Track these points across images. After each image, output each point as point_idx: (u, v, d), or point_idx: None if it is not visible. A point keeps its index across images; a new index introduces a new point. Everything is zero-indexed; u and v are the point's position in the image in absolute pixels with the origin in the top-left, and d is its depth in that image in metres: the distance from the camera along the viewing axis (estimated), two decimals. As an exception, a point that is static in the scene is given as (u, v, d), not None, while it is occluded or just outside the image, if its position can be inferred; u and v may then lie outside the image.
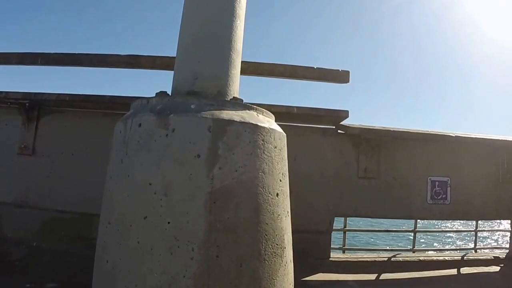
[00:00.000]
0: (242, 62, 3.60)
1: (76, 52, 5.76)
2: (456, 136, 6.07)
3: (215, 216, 2.74)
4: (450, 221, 19.85)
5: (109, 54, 5.70)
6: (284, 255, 3.09)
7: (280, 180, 3.14)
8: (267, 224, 2.93)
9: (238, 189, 2.83)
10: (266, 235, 2.92)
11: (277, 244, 3.00)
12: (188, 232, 2.70)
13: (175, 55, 3.59)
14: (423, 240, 17.40)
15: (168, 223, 2.71)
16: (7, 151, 5.70)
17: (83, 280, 3.98)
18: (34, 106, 5.64)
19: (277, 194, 3.06)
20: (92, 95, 5.54)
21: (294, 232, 3.38)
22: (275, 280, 2.96)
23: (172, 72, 3.53)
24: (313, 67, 5.49)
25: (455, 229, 22.11)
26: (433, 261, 6.12)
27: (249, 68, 5.00)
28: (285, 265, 3.09)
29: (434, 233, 19.07)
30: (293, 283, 3.29)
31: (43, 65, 5.81)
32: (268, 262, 2.91)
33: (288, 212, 3.27)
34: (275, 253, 2.97)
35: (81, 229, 5.31)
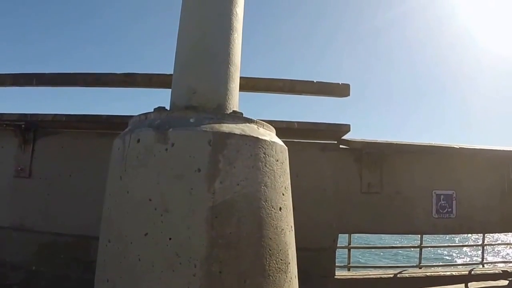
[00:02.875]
0: (240, 77, 3.60)
1: (71, 72, 5.76)
2: (460, 147, 6.05)
3: (217, 231, 2.72)
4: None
5: (104, 73, 5.68)
6: (289, 270, 3.06)
7: (283, 194, 3.12)
8: (270, 239, 2.91)
9: (240, 203, 2.81)
10: (270, 250, 2.90)
11: (281, 260, 2.98)
12: (190, 248, 2.68)
13: (171, 73, 3.59)
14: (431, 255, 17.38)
15: (169, 239, 2.69)
16: (3, 174, 5.67)
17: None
18: (30, 127, 5.62)
19: (280, 208, 3.04)
20: (88, 115, 5.53)
21: (297, 249, 3.36)
22: (280, 297, 2.93)
23: (169, 90, 3.53)
24: (313, 81, 5.47)
25: (461, 244, 22.03)
26: (440, 276, 6.07)
27: (247, 84, 4.94)
28: (289, 280, 3.06)
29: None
30: None
31: (38, 85, 5.81)
32: (272, 278, 2.88)
33: (291, 226, 3.25)
34: (279, 268, 2.95)
35: (79, 253, 5.26)
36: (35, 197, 5.59)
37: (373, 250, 14.31)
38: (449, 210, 6.05)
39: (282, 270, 2.97)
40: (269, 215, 2.93)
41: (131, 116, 3.42)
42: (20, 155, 5.67)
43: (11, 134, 5.68)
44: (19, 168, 5.64)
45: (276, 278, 2.91)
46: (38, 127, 5.67)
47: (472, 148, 6.28)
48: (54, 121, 5.52)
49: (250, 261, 2.81)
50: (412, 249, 6.66)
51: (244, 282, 2.75)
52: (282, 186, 3.12)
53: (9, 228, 5.54)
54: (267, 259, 2.87)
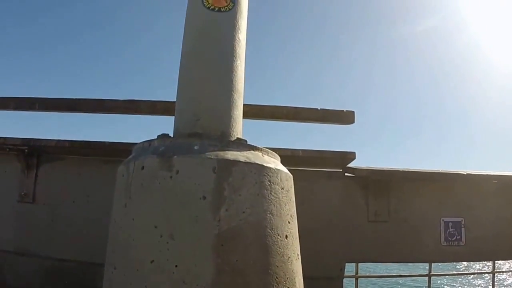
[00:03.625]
0: (243, 104, 3.67)
1: (74, 98, 5.84)
2: (467, 174, 6.06)
3: (223, 259, 2.77)
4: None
5: (107, 99, 5.77)
6: (296, 299, 3.10)
7: (289, 222, 3.17)
8: (277, 266, 2.95)
9: (246, 231, 2.86)
10: (277, 278, 2.94)
11: (288, 288, 3.02)
12: (197, 276, 2.72)
13: (174, 99, 3.65)
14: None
15: (176, 266, 2.73)
16: (7, 199, 5.70)
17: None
18: (33, 152, 5.67)
19: (286, 236, 3.09)
20: (92, 142, 5.58)
21: (304, 278, 3.38)
22: (287, 326, 2.97)
23: (173, 117, 3.59)
24: (317, 108, 5.54)
25: (471, 271, 21.81)
26: (450, 304, 6.06)
27: (250, 111, 4.98)
28: (297, 309, 3.10)
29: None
30: None
31: (40, 110, 5.91)
32: (280, 306, 2.93)
33: (298, 255, 3.28)
34: (287, 297, 2.99)
35: (84, 279, 5.28)
36: (39, 222, 5.61)
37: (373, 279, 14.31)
38: (458, 237, 6.05)
39: (289, 298, 3.01)
40: (275, 243, 2.97)
41: (135, 143, 3.48)
42: (23, 180, 5.70)
43: (14, 159, 5.74)
44: (23, 193, 5.66)
45: (283, 307, 2.95)
46: (42, 152, 5.72)
47: (480, 174, 6.28)
48: (58, 147, 5.58)
49: (257, 289, 2.85)
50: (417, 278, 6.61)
51: (252, 310, 2.79)
52: (287, 214, 3.17)
53: (14, 252, 5.55)
54: (275, 287, 2.92)
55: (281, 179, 3.16)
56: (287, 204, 3.18)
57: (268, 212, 2.97)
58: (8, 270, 5.51)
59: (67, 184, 5.69)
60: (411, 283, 17.70)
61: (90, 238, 5.21)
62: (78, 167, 5.75)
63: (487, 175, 6.33)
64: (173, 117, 3.59)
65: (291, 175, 3.38)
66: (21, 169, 5.72)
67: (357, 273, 6.14)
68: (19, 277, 5.45)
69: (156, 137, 3.28)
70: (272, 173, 3.08)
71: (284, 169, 3.30)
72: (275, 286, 2.92)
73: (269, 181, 3.04)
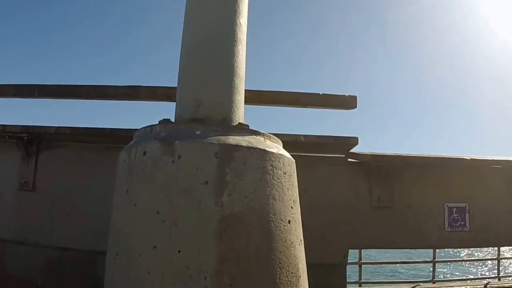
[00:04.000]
0: (245, 90, 3.68)
1: (74, 84, 5.83)
2: (471, 159, 6.07)
3: (226, 244, 2.80)
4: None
5: (107, 86, 5.78)
6: (300, 284, 3.13)
7: (292, 207, 3.19)
8: (280, 252, 2.98)
9: (249, 216, 2.89)
10: (280, 263, 2.97)
11: (291, 273, 3.04)
12: (200, 261, 2.75)
13: (175, 85, 3.65)
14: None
15: (179, 252, 2.76)
16: (7, 187, 5.75)
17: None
18: (33, 139, 5.69)
19: (289, 221, 3.11)
20: (92, 128, 5.59)
21: (307, 266, 3.40)
22: (291, 310, 3.00)
23: (173, 103, 3.60)
24: (319, 93, 5.54)
25: (475, 258, 21.86)
26: (455, 290, 6.09)
27: (251, 97, 4.93)
28: (300, 294, 3.13)
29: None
30: None
31: (40, 97, 5.91)
32: (283, 291, 2.96)
33: (301, 240, 3.31)
34: (290, 282, 3.01)
35: (86, 268, 5.32)
36: (39, 210, 5.64)
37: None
38: (462, 223, 6.08)
39: (293, 283, 3.04)
40: (278, 228, 3.00)
41: (136, 130, 3.49)
42: (23, 168, 5.73)
43: (13, 146, 5.76)
44: (23, 181, 5.70)
45: (286, 292, 2.99)
46: (42, 140, 5.75)
47: (484, 159, 6.29)
48: (58, 134, 5.61)
49: (260, 274, 2.88)
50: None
51: (255, 294, 2.83)
52: (290, 199, 3.19)
53: (14, 242, 5.59)
54: (278, 272, 2.94)
55: (283, 164, 3.18)
56: (289, 189, 3.20)
57: (271, 197, 3.00)
58: (8, 259, 5.54)
59: (68, 172, 5.72)
60: (413, 272, 17.75)
61: (91, 226, 5.25)
62: (79, 154, 5.78)
63: (491, 160, 6.35)
64: (174, 103, 3.60)
65: (294, 160, 3.40)
66: (21, 157, 5.74)
67: (360, 259, 6.18)
68: (19, 267, 5.48)
69: (157, 123, 3.29)
70: (274, 158, 3.10)
71: (286, 154, 3.32)
72: (278, 271, 2.95)
73: (272, 166, 3.06)
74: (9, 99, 6.03)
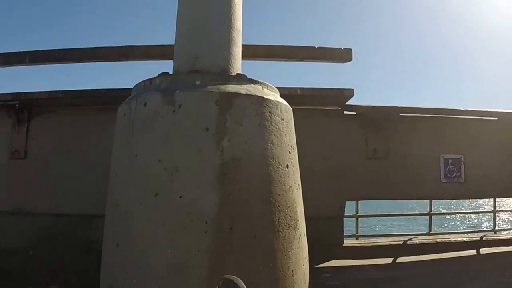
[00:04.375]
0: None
1: (66, 48, 5.83)
2: (466, 110, 6.17)
3: (227, 188, 2.93)
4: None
5: (100, 47, 5.76)
6: (298, 227, 3.27)
7: (289, 152, 3.32)
8: (279, 195, 3.12)
9: (249, 160, 3.02)
10: (279, 206, 3.10)
11: (290, 216, 3.18)
12: (201, 206, 2.88)
13: (169, 43, 3.68)
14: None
15: (180, 198, 2.88)
16: None
17: (85, 282, 4.11)
18: (24, 107, 5.73)
19: (287, 166, 3.24)
20: (86, 90, 5.66)
21: (305, 219, 3.54)
22: (290, 253, 3.14)
23: (168, 61, 3.65)
24: (314, 47, 5.59)
25: (471, 210, 22.12)
26: (451, 242, 6.27)
27: (247, 52, 4.99)
28: (299, 237, 3.28)
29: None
30: (307, 258, 3.46)
31: (31, 63, 5.92)
32: (282, 234, 3.09)
33: (299, 185, 3.45)
34: (288, 224, 3.15)
35: (79, 233, 5.41)
36: (31, 178, 5.68)
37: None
38: (458, 174, 6.20)
39: (291, 226, 3.18)
40: (277, 172, 3.13)
41: (130, 89, 3.57)
42: (14, 136, 5.78)
43: (4, 115, 5.79)
44: (14, 150, 5.75)
45: (285, 234, 3.12)
46: (33, 106, 5.78)
47: (479, 111, 6.42)
48: (50, 99, 5.63)
49: (260, 217, 3.01)
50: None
51: (255, 237, 2.96)
52: (288, 145, 3.32)
53: (6, 212, 5.64)
54: (276, 215, 3.08)
55: (281, 110, 3.29)
56: (287, 135, 3.32)
57: (269, 142, 3.12)
58: (0, 231, 5.60)
59: (60, 137, 5.77)
60: (405, 223, 17.98)
61: (86, 190, 5.35)
62: (72, 118, 5.82)
63: (486, 111, 6.48)
64: (169, 61, 3.65)
65: (291, 108, 3.50)
66: (12, 125, 5.79)
67: (357, 212, 6.29)
68: (13, 237, 5.55)
69: (156, 76, 3.38)
70: (272, 104, 3.21)
71: (283, 101, 3.43)
72: (277, 214, 3.09)
73: (270, 112, 3.17)
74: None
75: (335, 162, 5.88)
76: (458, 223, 21.74)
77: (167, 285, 2.82)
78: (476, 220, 24.39)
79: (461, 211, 22.69)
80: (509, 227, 12.03)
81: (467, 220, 24.24)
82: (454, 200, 12.01)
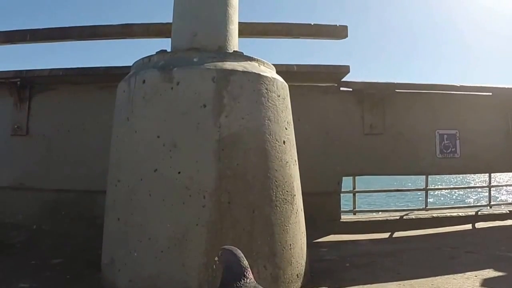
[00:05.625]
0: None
1: (66, 26, 5.82)
2: (461, 86, 6.19)
3: (225, 163, 2.98)
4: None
5: (100, 25, 5.75)
6: (295, 202, 3.34)
7: (286, 128, 3.37)
8: (276, 170, 3.17)
9: (246, 136, 3.07)
10: (276, 182, 3.16)
11: (287, 191, 3.25)
12: (199, 181, 2.94)
13: (168, 21, 3.70)
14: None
15: (179, 173, 2.95)
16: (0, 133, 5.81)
17: (88, 256, 4.18)
18: (25, 84, 5.75)
19: (284, 142, 3.29)
20: (86, 68, 5.65)
21: (302, 194, 3.61)
22: (287, 227, 3.20)
23: (166, 39, 3.68)
24: (310, 24, 5.59)
25: (466, 185, 22.17)
26: (446, 217, 6.29)
27: (244, 29, 5.01)
28: (296, 212, 3.34)
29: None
30: (305, 233, 3.53)
31: (32, 42, 5.93)
32: (279, 208, 3.16)
33: (295, 160, 3.51)
34: (285, 199, 3.21)
35: (82, 208, 5.45)
36: (34, 155, 5.73)
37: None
38: (453, 149, 6.23)
39: (288, 201, 3.24)
40: (274, 147, 3.18)
41: (130, 67, 3.61)
42: (16, 113, 5.80)
43: (6, 92, 5.80)
44: (16, 127, 5.77)
45: (283, 209, 3.18)
46: (34, 84, 5.80)
47: (473, 86, 6.43)
48: (51, 76, 5.64)
49: (257, 192, 3.07)
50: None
51: (253, 212, 3.03)
52: (284, 121, 3.37)
53: (9, 188, 5.69)
54: (274, 190, 3.14)
55: (277, 87, 3.33)
56: (283, 111, 3.37)
57: (266, 118, 3.17)
58: (4, 206, 5.64)
59: (62, 114, 5.79)
60: (401, 197, 18.13)
61: (87, 166, 5.39)
62: (72, 95, 5.84)
63: (481, 87, 6.48)
64: (167, 39, 3.68)
65: (287, 84, 3.55)
66: (13, 103, 5.81)
67: (354, 188, 6.33)
68: (16, 213, 5.60)
69: (155, 53, 3.42)
70: (268, 81, 3.25)
71: (280, 78, 3.47)
72: (274, 189, 3.14)
73: (266, 89, 3.22)
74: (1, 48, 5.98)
75: (332, 138, 5.92)
76: (447, 199, 21.79)
77: (167, 257, 2.88)
78: (463, 196, 24.56)
79: (457, 186, 22.89)
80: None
81: (454, 196, 24.27)
82: (446, 176, 12.04)
